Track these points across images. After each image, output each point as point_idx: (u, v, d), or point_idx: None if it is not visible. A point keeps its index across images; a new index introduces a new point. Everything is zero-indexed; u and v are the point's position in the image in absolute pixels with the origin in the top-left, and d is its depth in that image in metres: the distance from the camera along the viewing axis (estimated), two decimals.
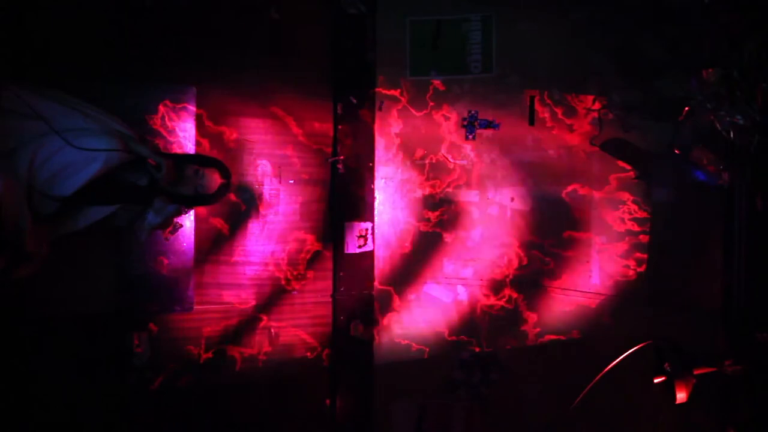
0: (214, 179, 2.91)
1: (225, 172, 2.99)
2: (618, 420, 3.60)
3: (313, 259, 3.74)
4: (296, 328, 3.70)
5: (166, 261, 3.43)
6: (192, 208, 3.32)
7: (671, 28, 3.56)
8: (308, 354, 3.72)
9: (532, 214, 3.76)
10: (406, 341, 3.82)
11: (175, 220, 3.43)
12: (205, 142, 3.48)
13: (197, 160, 3.02)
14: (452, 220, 3.81)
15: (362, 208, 3.81)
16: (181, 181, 2.83)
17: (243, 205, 3.59)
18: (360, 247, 3.79)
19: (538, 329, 3.75)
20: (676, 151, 3.52)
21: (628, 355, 2.70)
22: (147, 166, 2.72)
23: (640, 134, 3.65)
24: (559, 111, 3.71)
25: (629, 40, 3.63)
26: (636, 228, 3.66)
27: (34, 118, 2.47)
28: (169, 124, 3.40)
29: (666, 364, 2.62)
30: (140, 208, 2.82)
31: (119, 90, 3.26)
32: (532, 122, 3.73)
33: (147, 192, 2.78)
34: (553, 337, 3.74)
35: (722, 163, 3.42)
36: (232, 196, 3.54)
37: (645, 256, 3.65)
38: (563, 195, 3.73)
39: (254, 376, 3.61)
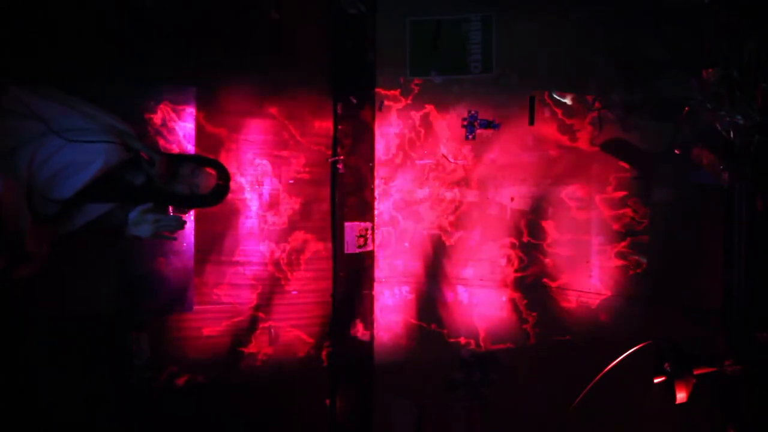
0: (211, 180, 2.80)
1: (223, 174, 2.89)
2: (618, 420, 3.60)
3: (313, 259, 3.74)
4: (296, 328, 3.70)
5: (166, 261, 3.43)
6: (188, 210, 3.30)
7: (671, 28, 3.56)
8: (308, 354, 3.72)
9: (532, 214, 3.76)
10: (406, 341, 3.82)
11: None
12: (205, 142, 3.48)
13: (195, 159, 2.93)
14: (452, 220, 3.82)
15: (362, 208, 3.81)
16: (176, 180, 2.74)
17: (243, 205, 3.59)
18: (360, 247, 3.79)
19: (538, 329, 3.75)
20: (676, 151, 3.52)
21: (628, 355, 2.70)
22: (141, 161, 2.67)
23: (640, 134, 3.65)
24: (559, 111, 3.71)
25: (629, 40, 3.63)
26: (636, 228, 3.66)
27: (33, 118, 2.47)
28: (169, 124, 3.40)
29: (666, 364, 2.62)
30: (134, 207, 2.75)
31: (119, 90, 3.25)
32: (532, 122, 3.73)
33: (142, 190, 2.74)
34: (553, 337, 3.74)
35: (722, 163, 3.42)
36: (233, 197, 3.54)
37: (645, 256, 3.65)
38: (563, 195, 3.73)
39: (254, 376, 3.60)
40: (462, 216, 3.81)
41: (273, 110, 3.63)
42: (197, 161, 2.84)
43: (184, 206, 3.05)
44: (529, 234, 3.76)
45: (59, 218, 2.62)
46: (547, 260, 3.74)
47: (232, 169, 3.53)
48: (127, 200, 2.69)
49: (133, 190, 2.71)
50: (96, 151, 2.55)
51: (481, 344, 3.79)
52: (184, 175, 2.73)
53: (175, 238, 3.03)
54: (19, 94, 2.48)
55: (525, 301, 3.76)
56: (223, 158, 3.50)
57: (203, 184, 2.77)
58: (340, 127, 3.76)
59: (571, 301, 3.73)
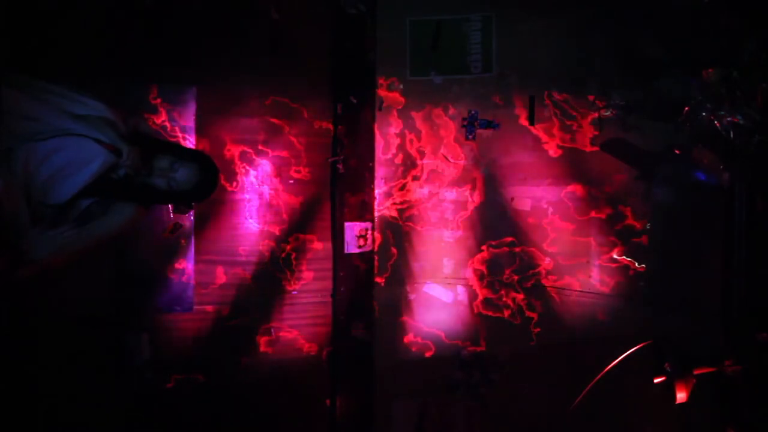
0: (193, 175, 2.52)
1: (208, 168, 2.59)
2: (618, 420, 3.60)
3: (313, 259, 3.74)
4: (296, 328, 3.70)
5: (166, 261, 3.43)
6: (187, 209, 3.28)
7: (671, 28, 3.56)
8: (308, 354, 3.72)
9: (531, 213, 3.76)
10: (407, 341, 3.82)
11: (176, 220, 3.43)
12: (205, 142, 3.48)
13: (176, 151, 2.60)
14: (452, 220, 3.82)
15: (362, 208, 3.81)
16: (153, 174, 2.50)
17: (243, 205, 3.59)
18: (360, 247, 3.79)
19: (538, 329, 3.75)
20: (676, 151, 3.52)
21: (628, 355, 2.70)
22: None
23: (640, 134, 3.65)
24: (558, 111, 3.71)
25: (629, 40, 3.63)
26: (636, 228, 3.66)
27: (29, 119, 2.46)
28: (168, 124, 3.40)
29: (666, 364, 2.62)
30: (109, 202, 2.63)
31: (119, 89, 3.25)
32: (532, 122, 3.73)
33: (121, 185, 2.51)
34: (552, 337, 3.73)
35: (722, 163, 3.43)
36: (233, 197, 3.55)
37: (645, 256, 3.65)
38: (563, 195, 3.73)
39: (254, 376, 3.60)
40: (462, 216, 3.81)
41: (273, 110, 3.63)
42: (178, 154, 2.58)
43: (163, 202, 2.95)
44: (529, 234, 3.76)
45: (57, 218, 2.61)
46: (546, 260, 3.74)
47: (233, 169, 3.54)
48: (106, 195, 2.57)
49: (113, 184, 2.57)
50: (96, 150, 2.54)
51: (481, 344, 3.79)
52: (162, 169, 2.50)
53: (167, 239, 2.69)
54: (17, 96, 2.47)
55: (525, 302, 3.76)
56: (222, 158, 3.51)
57: (183, 180, 2.52)
58: (340, 127, 3.76)
59: (570, 302, 3.73)
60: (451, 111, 3.80)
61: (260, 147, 3.61)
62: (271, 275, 3.64)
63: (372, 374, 3.81)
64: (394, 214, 3.84)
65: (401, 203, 3.84)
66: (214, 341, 3.54)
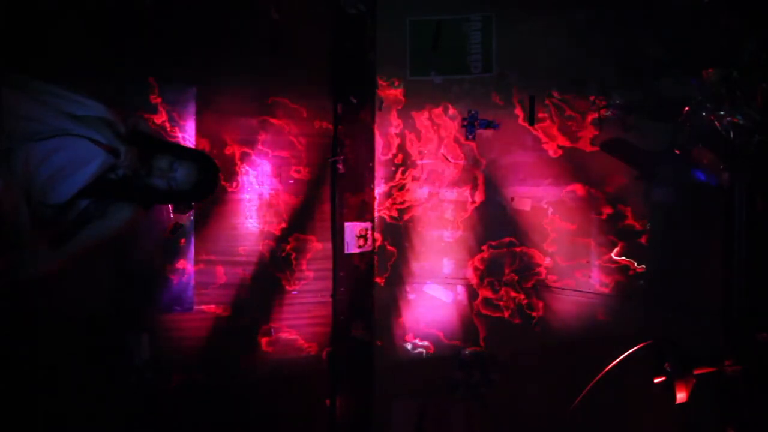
0: (192, 175, 2.51)
1: (208, 167, 2.58)
2: (618, 420, 3.60)
3: (313, 259, 3.74)
4: (296, 328, 3.70)
5: (166, 261, 3.43)
6: (187, 208, 3.27)
7: (671, 28, 3.56)
8: (308, 354, 3.73)
9: (531, 214, 3.76)
10: (407, 341, 3.82)
11: (176, 220, 3.43)
12: (205, 142, 3.48)
13: (175, 151, 2.58)
14: (452, 220, 3.82)
15: (362, 208, 3.81)
16: (152, 174, 2.50)
17: (243, 205, 3.59)
18: (360, 247, 3.79)
19: (538, 329, 3.75)
20: (676, 151, 3.51)
21: (628, 355, 2.69)
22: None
23: (640, 134, 3.64)
24: (559, 111, 3.71)
25: (629, 40, 3.63)
26: (636, 228, 3.66)
27: (29, 119, 2.46)
28: (168, 124, 3.40)
29: (666, 364, 2.62)
30: (108, 202, 2.62)
31: (119, 89, 3.25)
32: (532, 122, 3.73)
33: (120, 185, 2.51)
34: (553, 337, 3.73)
35: (722, 163, 3.42)
36: (233, 196, 3.54)
37: (645, 256, 3.65)
38: (563, 195, 3.73)
39: (254, 377, 3.61)
40: (462, 216, 3.81)
41: (273, 110, 3.63)
42: (178, 154, 2.56)
43: (163, 202, 2.96)
44: (529, 234, 3.76)
45: (57, 218, 2.61)
46: (546, 260, 3.74)
47: (233, 169, 3.54)
48: (106, 196, 2.57)
49: (112, 185, 2.52)
50: (95, 151, 2.54)
51: (481, 344, 3.79)
52: (161, 169, 2.50)
53: (168, 239, 2.70)
54: (17, 96, 2.46)
55: (525, 302, 3.76)
56: (222, 158, 3.51)
57: (183, 179, 2.51)
58: (340, 127, 3.76)
59: (570, 302, 3.73)
60: (451, 111, 3.80)
61: (260, 147, 3.61)
62: (271, 275, 3.65)
63: (372, 374, 3.81)
64: (394, 214, 3.84)
65: (401, 203, 3.84)
66: (214, 341, 3.54)
